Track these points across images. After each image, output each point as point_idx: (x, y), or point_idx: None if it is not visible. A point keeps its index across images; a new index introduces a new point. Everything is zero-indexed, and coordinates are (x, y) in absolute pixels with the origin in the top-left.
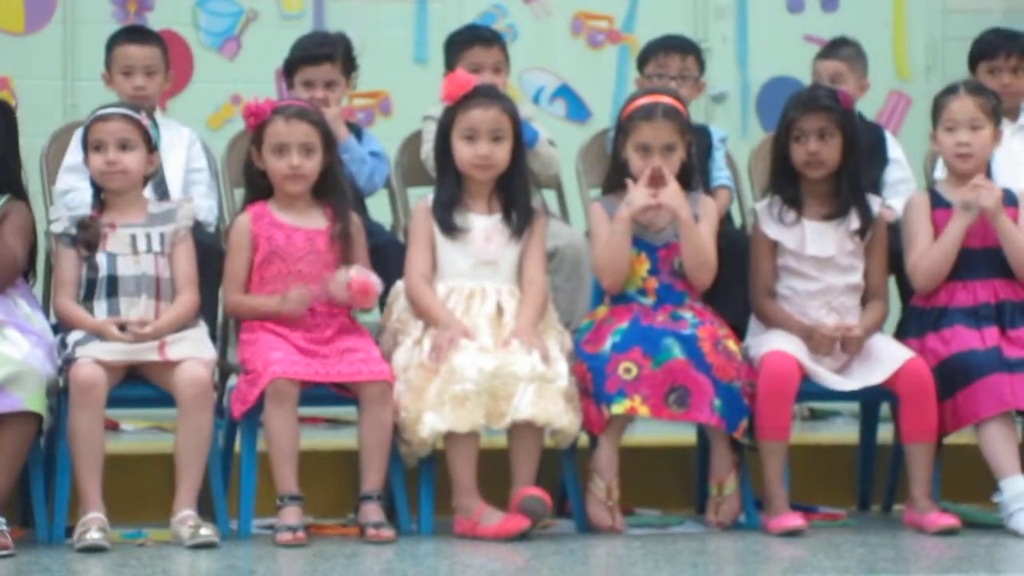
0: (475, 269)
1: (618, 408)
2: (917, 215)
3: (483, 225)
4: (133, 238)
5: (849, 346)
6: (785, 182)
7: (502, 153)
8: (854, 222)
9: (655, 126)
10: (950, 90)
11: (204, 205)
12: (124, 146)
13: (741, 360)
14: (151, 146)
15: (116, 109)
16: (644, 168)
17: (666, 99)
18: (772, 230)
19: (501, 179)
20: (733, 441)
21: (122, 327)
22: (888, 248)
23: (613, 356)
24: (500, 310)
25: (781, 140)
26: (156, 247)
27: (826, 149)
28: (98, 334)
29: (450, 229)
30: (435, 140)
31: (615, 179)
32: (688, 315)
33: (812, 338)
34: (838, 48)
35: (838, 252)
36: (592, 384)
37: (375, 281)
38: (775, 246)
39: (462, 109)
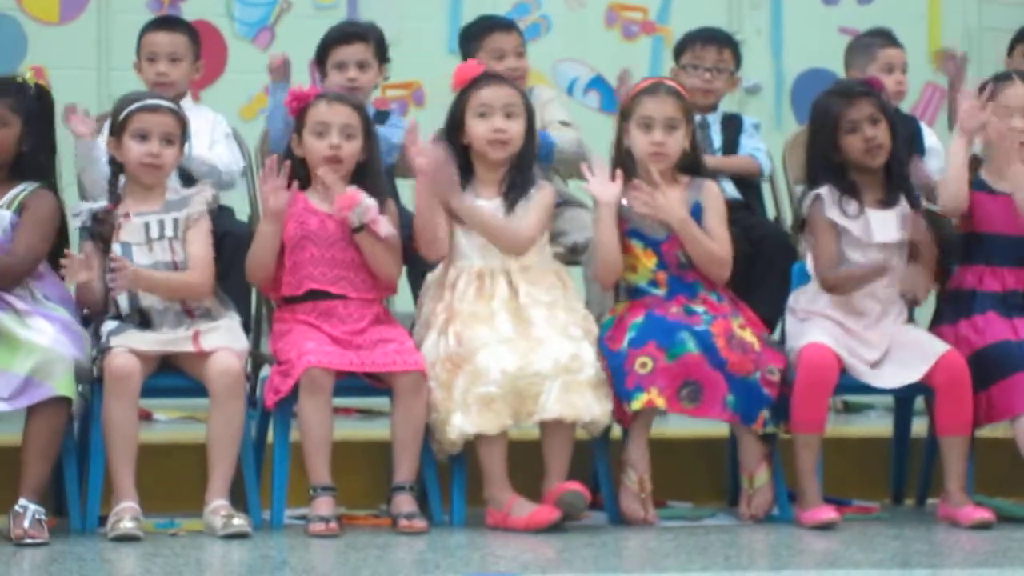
0: (483, 250)
1: (637, 404)
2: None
3: (490, 208)
4: (147, 226)
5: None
6: (829, 177)
7: (517, 128)
8: (906, 207)
9: (658, 99)
10: (1004, 76)
11: (223, 155)
12: (166, 140)
13: (760, 349)
14: (183, 141)
15: (162, 101)
16: (647, 145)
17: (670, 82)
18: (837, 217)
19: (512, 165)
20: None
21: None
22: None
23: (629, 352)
24: (515, 291)
25: (826, 137)
26: (169, 232)
27: (880, 133)
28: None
29: (456, 215)
30: (446, 123)
31: (619, 167)
32: (701, 309)
33: (882, 271)
34: (892, 36)
35: (899, 239)
36: (614, 382)
37: (365, 199)
38: (836, 229)
39: (474, 89)
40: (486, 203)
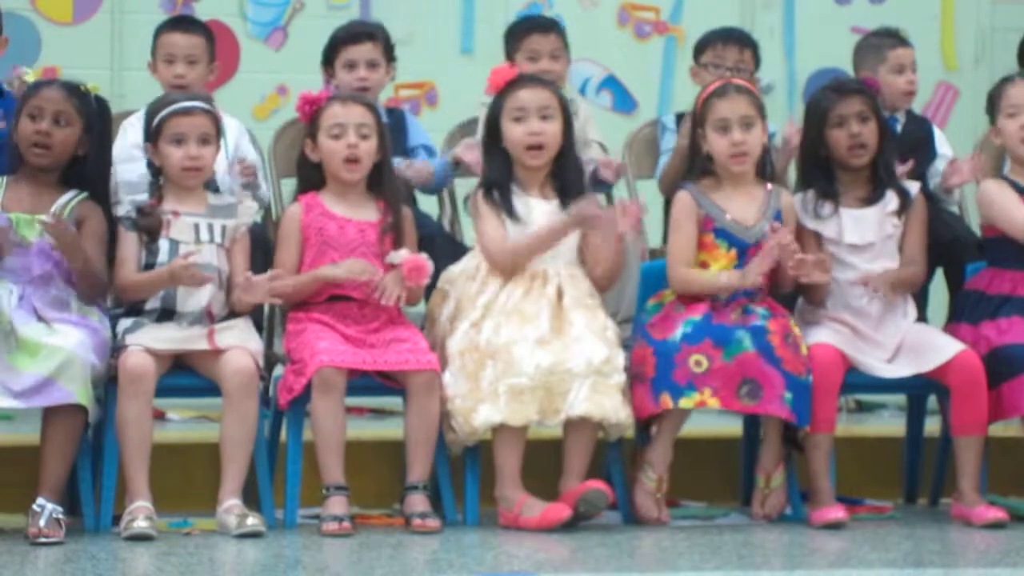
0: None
1: (687, 402)
2: (1002, 192)
3: (543, 209)
4: (196, 227)
5: (875, 284)
6: (818, 174)
7: (553, 130)
8: (892, 203)
9: (729, 100)
10: (1008, 79)
11: (260, 184)
12: (204, 141)
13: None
14: (219, 139)
15: (196, 103)
16: (727, 147)
17: (739, 80)
18: (810, 222)
19: (553, 166)
20: (784, 435)
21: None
22: (927, 224)
23: (683, 347)
24: (560, 294)
25: (814, 132)
26: (218, 238)
27: (867, 132)
28: (170, 284)
29: (511, 213)
30: (484, 128)
31: (697, 168)
32: (760, 309)
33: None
34: (901, 35)
35: (878, 238)
36: (656, 370)
37: (425, 257)
38: (818, 235)
39: (509, 93)
40: (540, 203)
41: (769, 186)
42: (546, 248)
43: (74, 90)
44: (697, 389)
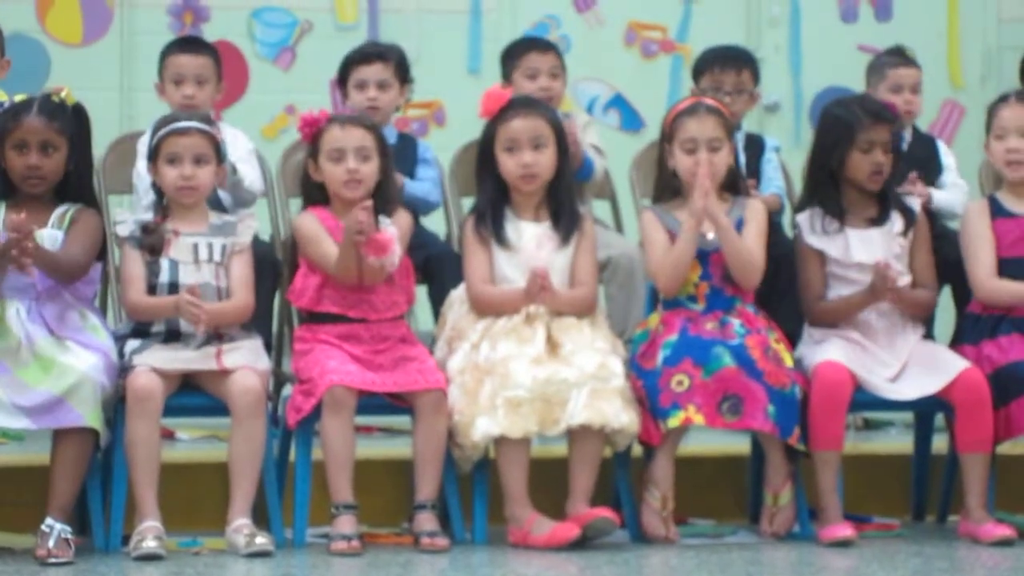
0: (527, 275)
1: (674, 421)
2: (977, 221)
3: (533, 232)
4: (195, 247)
5: (887, 289)
6: (826, 191)
7: (545, 160)
8: (897, 224)
9: (700, 120)
10: (1002, 99)
11: (247, 172)
12: (199, 161)
13: (793, 367)
14: (219, 159)
15: (192, 123)
16: (692, 166)
17: (710, 100)
18: (816, 241)
19: (548, 187)
20: (788, 451)
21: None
22: (931, 242)
23: (664, 370)
24: (552, 313)
25: (837, 147)
26: (217, 257)
27: (887, 163)
28: (175, 314)
29: (501, 239)
30: (477, 153)
31: (664, 187)
32: (736, 322)
33: (874, 290)
34: (906, 55)
35: (885, 257)
36: (647, 399)
37: (396, 251)
38: (821, 255)
39: (502, 121)
40: (531, 226)
41: (730, 197)
42: (518, 308)
43: (54, 112)
44: (681, 407)
